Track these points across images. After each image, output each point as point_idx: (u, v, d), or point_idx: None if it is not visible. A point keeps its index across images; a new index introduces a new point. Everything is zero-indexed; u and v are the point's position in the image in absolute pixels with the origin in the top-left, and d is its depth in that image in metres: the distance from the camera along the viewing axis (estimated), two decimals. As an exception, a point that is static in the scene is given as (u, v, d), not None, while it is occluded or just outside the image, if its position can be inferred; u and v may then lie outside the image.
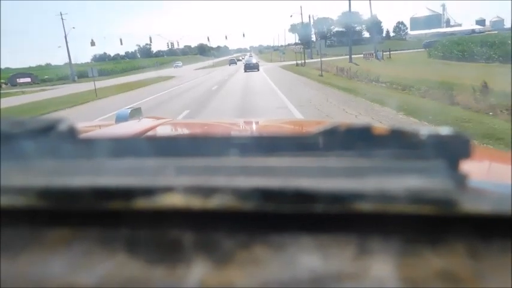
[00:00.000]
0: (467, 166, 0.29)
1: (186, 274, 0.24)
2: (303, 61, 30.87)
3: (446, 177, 0.26)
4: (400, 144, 0.30)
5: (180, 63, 64.10)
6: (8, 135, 0.33)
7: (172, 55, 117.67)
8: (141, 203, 0.27)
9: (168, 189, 0.26)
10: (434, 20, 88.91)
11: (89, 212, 0.28)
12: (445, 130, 0.29)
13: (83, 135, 0.36)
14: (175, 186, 0.26)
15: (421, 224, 0.26)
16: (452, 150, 0.28)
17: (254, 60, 32.71)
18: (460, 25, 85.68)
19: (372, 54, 30.26)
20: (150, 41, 52.13)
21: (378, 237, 0.26)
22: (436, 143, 0.29)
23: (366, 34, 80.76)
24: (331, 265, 0.24)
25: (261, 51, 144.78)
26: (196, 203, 0.26)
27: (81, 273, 0.25)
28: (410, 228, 0.26)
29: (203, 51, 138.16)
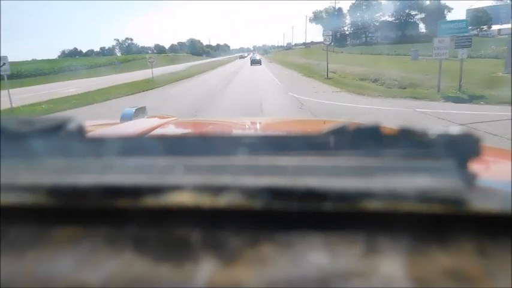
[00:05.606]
0: (476, 165, 0.28)
1: (193, 273, 0.24)
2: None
3: (455, 177, 0.26)
4: (409, 143, 0.29)
5: None
6: (16, 134, 0.33)
7: (161, 53, 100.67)
8: (149, 201, 0.27)
9: (176, 188, 0.27)
10: (502, 12, 70.93)
11: (96, 210, 0.28)
12: (454, 129, 0.29)
13: (90, 134, 0.37)
14: (184, 185, 0.27)
15: (430, 222, 0.26)
16: (462, 150, 0.28)
17: (258, 57, 41.63)
18: (535, 19, 67.07)
19: None
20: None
21: (387, 235, 0.26)
22: (445, 143, 0.29)
23: (421, 28, 62.54)
24: (339, 263, 0.24)
25: (266, 50, 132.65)
26: (205, 201, 0.26)
27: (88, 271, 0.25)
28: (418, 227, 0.26)
29: (195, 49, 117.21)
